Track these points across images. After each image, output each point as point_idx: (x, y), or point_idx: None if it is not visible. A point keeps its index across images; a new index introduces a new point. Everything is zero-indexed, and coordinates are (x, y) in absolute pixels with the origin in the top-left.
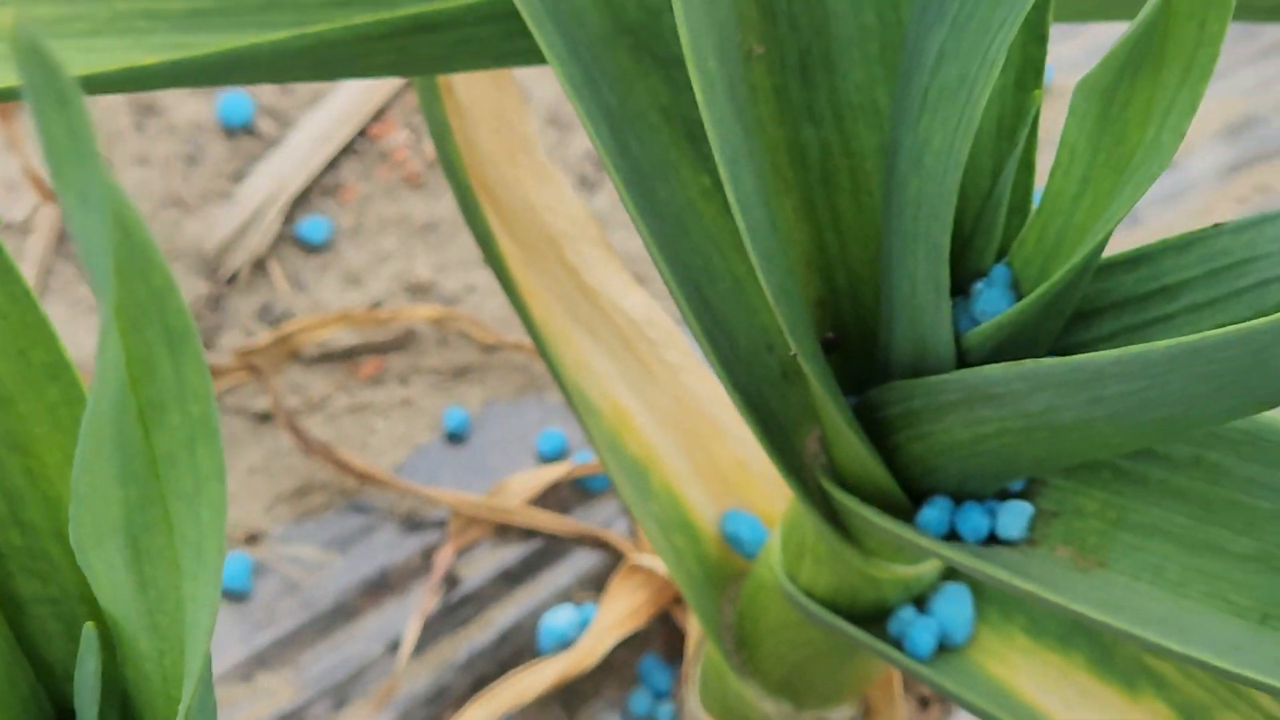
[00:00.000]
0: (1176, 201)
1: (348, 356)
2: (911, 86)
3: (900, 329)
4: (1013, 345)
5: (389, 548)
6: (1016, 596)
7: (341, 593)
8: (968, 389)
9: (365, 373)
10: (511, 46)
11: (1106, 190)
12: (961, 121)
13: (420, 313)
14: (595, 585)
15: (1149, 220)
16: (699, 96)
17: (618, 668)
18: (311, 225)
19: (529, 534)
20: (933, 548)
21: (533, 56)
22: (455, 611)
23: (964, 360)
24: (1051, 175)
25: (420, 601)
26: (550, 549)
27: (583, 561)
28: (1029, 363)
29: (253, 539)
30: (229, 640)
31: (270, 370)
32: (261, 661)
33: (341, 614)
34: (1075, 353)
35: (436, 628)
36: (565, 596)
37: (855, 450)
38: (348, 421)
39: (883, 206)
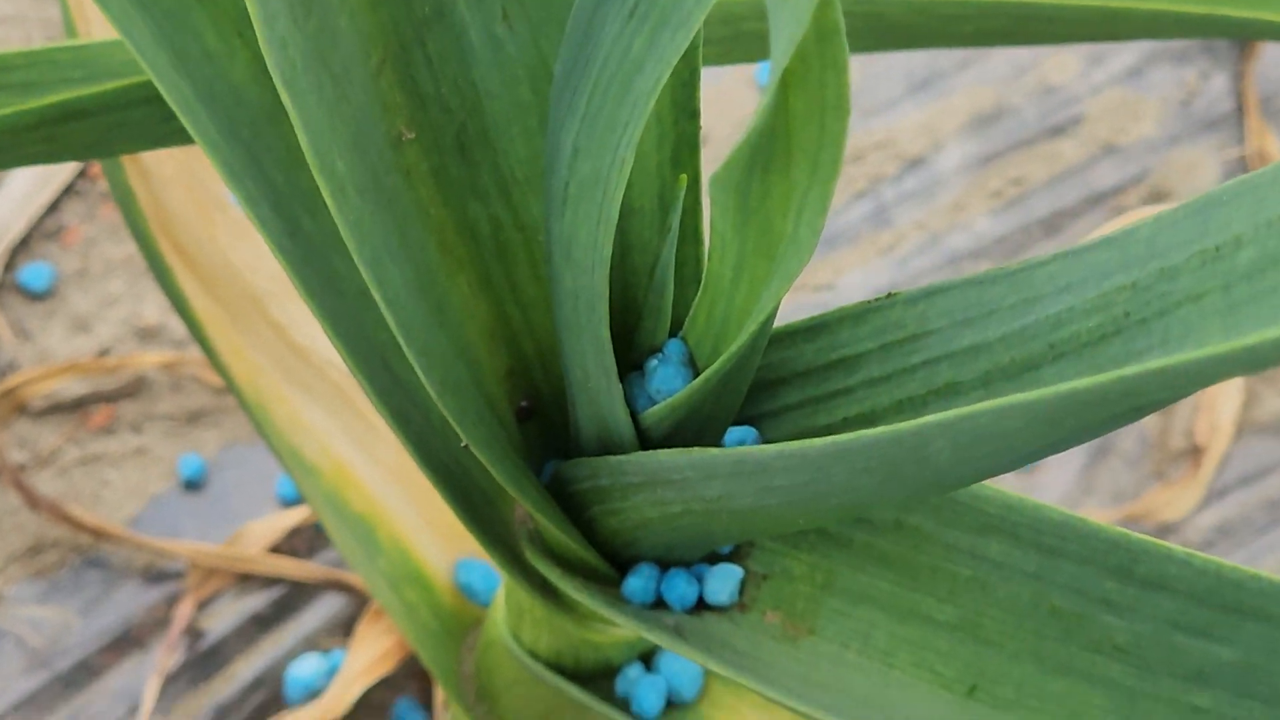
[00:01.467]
0: (928, 199)
1: (77, 407)
2: (554, 180)
3: (581, 409)
4: (692, 423)
5: (129, 603)
6: None
7: (82, 652)
8: (647, 473)
9: (96, 423)
10: (170, 127)
11: (761, 275)
12: (601, 218)
13: (150, 358)
14: (343, 630)
15: (899, 220)
16: (329, 202)
17: (375, 709)
18: (33, 272)
19: (272, 581)
20: (631, 624)
21: None
22: (199, 666)
23: (645, 438)
24: (709, 259)
25: (159, 660)
26: (294, 595)
27: (328, 606)
28: (696, 452)
29: None
30: None
31: None
32: None
33: (82, 675)
34: (763, 422)
35: (180, 684)
36: (312, 644)
37: (551, 525)
38: (80, 474)
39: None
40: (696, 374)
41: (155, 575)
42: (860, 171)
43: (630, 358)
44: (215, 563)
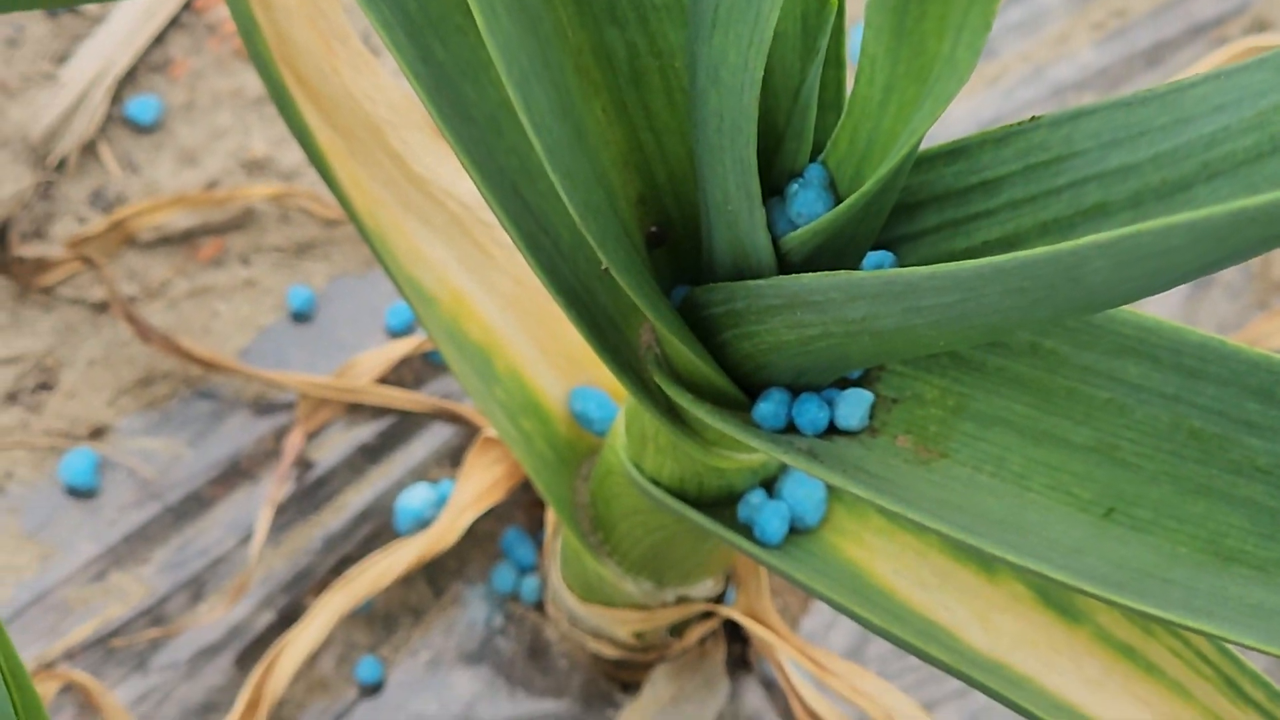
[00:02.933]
0: (1032, 30)
1: (186, 239)
2: (702, 2)
3: (718, 233)
4: (832, 247)
5: (238, 435)
6: None
7: (192, 484)
8: (787, 295)
9: (205, 255)
10: None
11: (911, 98)
12: (753, 41)
13: (259, 190)
14: (452, 460)
15: (1003, 51)
16: (480, 21)
17: (482, 539)
18: (141, 105)
19: (380, 412)
20: (765, 447)
21: None
22: (309, 496)
23: (784, 262)
24: (856, 82)
25: (269, 491)
26: (403, 426)
27: (437, 437)
28: (843, 274)
29: (97, 433)
30: (78, 539)
31: (106, 257)
32: (114, 559)
33: (194, 505)
34: (900, 246)
35: (291, 514)
36: (420, 474)
37: (684, 348)
38: (189, 306)
39: (689, 115)
40: (837, 198)
41: (265, 406)
42: None
43: (770, 182)
44: (324, 393)
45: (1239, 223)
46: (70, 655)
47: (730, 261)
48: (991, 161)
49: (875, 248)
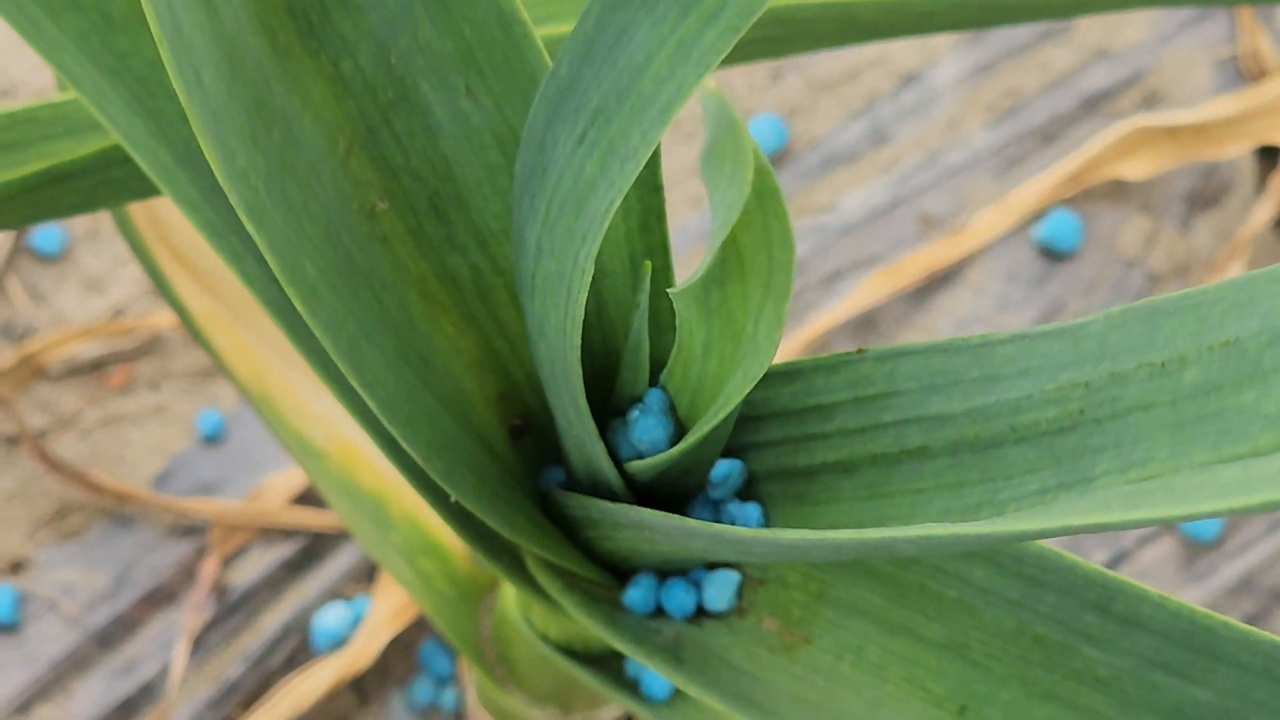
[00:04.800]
0: (924, 115)
1: (95, 368)
2: (523, 266)
3: (570, 448)
4: (677, 469)
5: (157, 561)
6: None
7: (114, 612)
8: (633, 521)
9: (115, 383)
10: (151, 184)
11: (730, 354)
12: (568, 312)
13: (164, 318)
14: (368, 576)
15: (898, 137)
16: (300, 308)
17: (405, 647)
18: (45, 235)
19: (294, 532)
20: (627, 649)
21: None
22: (228, 619)
23: (631, 482)
24: (679, 332)
25: (186, 622)
26: (317, 545)
27: (351, 554)
28: (677, 519)
29: (17, 567)
30: (2, 675)
31: (17, 391)
32: (40, 693)
33: (116, 633)
34: (747, 454)
35: (213, 637)
36: (337, 592)
37: (548, 552)
38: (101, 435)
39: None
40: (677, 422)
41: (182, 530)
42: (856, 90)
43: (614, 404)
44: (237, 519)
45: (1017, 538)
46: None
47: (585, 472)
48: (824, 387)
49: (725, 454)
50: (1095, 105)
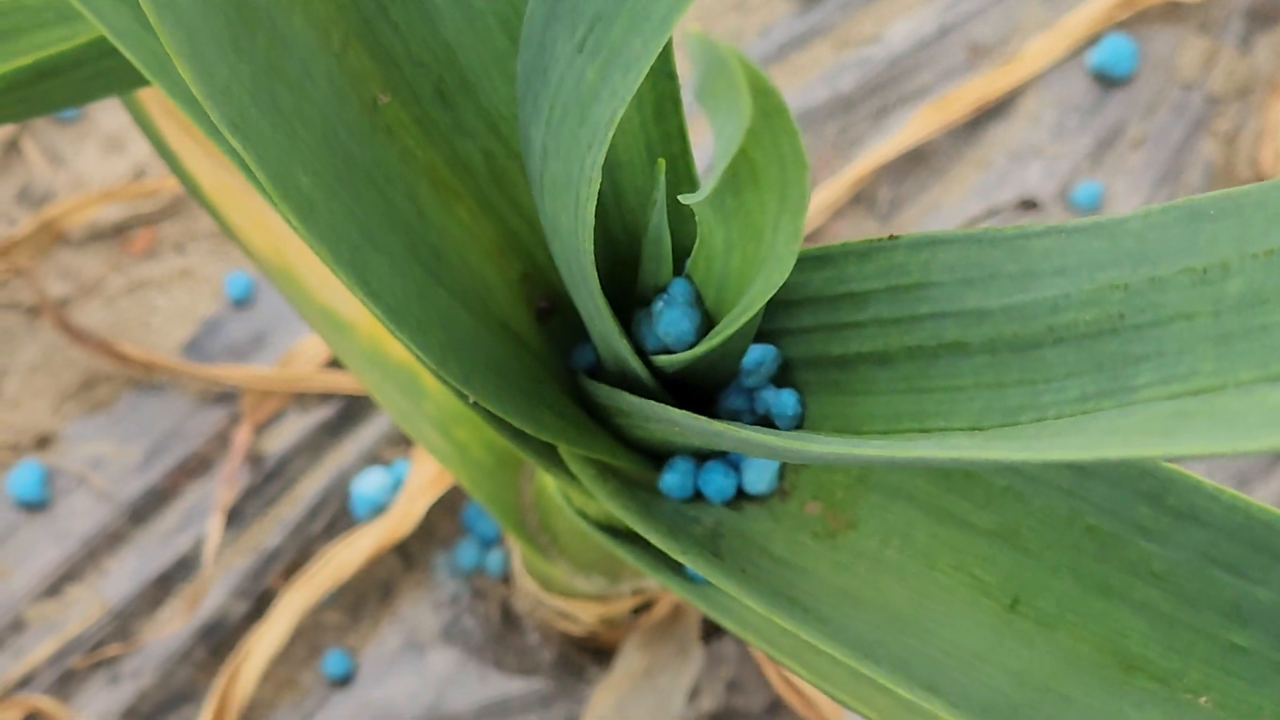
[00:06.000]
0: None
1: (118, 232)
2: (530, 166)
3: (596, 338)
4: (705, 362)
5: (189, 430)
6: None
7: (145, 485)
8: (660, 417)
9: (138, 247)
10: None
11: (750, 253)
12: (578, 216)
13: None
14: (406, 440)
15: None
16: (295, 225)
17: (450, 506)
18: None
19: (329, 396)
20: (663, 544)
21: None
22: (265, 488)
23: (659, 374)
24: (699, 229)
25: (219, 495)
26: (352, 408)
27: (387, 417)
28: (704, 421)
29: (44, 442)
30: (31, 555)
31: (37, 258)
32: (69, 574)
33: (149, 506)
34: (782, 339)
35: (249, 507)
36: (374, 457)
37: (577, 445)
38: (126, 302)
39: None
40: (704, 313)
41: (214, 398)
42: None
43: (639, 294)
44: (270, 385)
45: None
46: (32, 677)
47: (612, 361)
48: (857, 275)
49: (759, 339)
50: None
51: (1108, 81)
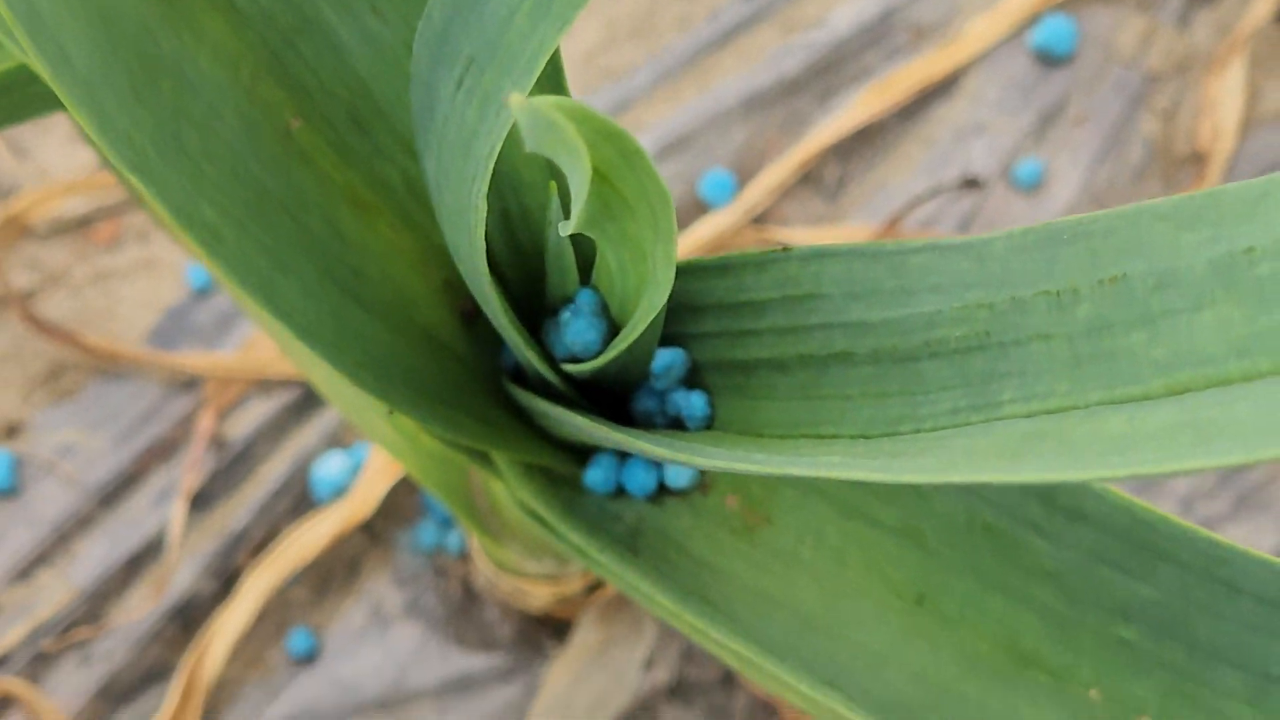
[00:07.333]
0: None
1: (82, 224)
2: (431, 193)
3: (511, 347)
4: (614, 367)
5: (155, 417)
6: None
7: (113, 470)
8: (570, 423)
9: (102, 238)
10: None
11: (643, 272)
12: (473, 244)
13: None
14: None
15: None
16: (202, 254)
17: (414, 485)
18: None
19: (289, 383)
20: (582, 542)
21: None
22: (229, 473)
23: (571, 379)
24: (597, 247)
25: (184, 482)
26: (313, 394)
27: None
28: (605, 430)
29: (13, 431)
30: (2, 541)
31: (3, 250)
32: (40, 558)
33: (117, 491)
34: (690, 343)
35: (214, 492)
36: (336, 440)
37: (501, 448)
38: (92, 292)
39: None
40: (610, 321)
41: (179, 385)
42: None
43: (549, 304)
44: (231, 372)
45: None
46: (4, 660)
47: (528, 368)
48: (754, 284)
49: (665, 342)
50: None
51: (1049, 60)
